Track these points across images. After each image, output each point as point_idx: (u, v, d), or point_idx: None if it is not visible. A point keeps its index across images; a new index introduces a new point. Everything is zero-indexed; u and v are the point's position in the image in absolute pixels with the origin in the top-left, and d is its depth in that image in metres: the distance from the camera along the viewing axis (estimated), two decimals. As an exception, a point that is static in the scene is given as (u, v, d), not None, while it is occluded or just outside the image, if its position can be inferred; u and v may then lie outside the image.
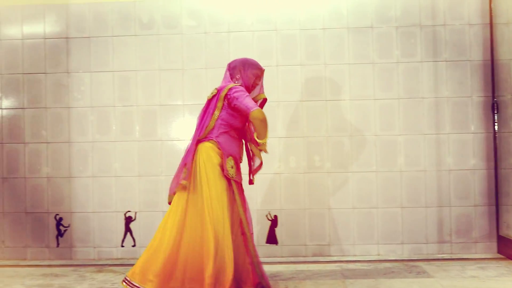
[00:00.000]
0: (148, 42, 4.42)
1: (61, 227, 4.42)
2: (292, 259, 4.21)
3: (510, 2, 3.86)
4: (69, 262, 4.32)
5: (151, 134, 4.40)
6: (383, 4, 4.32)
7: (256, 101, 3.27)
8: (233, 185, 3.10)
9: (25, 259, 4.42)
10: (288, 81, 4.32)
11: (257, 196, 4.31)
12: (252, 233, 3.16)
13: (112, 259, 4.35)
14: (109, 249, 4.38)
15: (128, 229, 4.38)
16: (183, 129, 4.39)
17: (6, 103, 4.50)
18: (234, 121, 3.12)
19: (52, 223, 4.42)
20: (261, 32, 4.35)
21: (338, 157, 4.30)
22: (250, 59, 3.30)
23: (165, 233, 2.99)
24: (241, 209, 3.11)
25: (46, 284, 3.57)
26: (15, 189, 4.47)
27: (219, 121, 3.10)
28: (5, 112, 4.50)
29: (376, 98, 4.29)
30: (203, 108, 3.16)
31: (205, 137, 3.09)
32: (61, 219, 4.42)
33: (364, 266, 3.88)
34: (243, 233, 3.13)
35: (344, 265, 3.94)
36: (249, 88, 3.24)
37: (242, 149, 3.26)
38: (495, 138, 4.22)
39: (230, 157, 3.09)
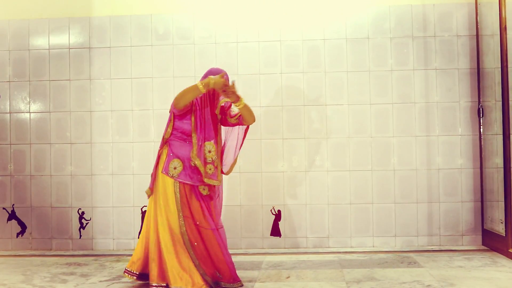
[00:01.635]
0: (163, 51, 4.42)
1: (83, 221, 4.44)
2: (294, 250, 4.22)
3: (495, 16, 3.86)
4: (90, 252, 4.34)
5: (166, 136, 4.48)
6: (378, 17, 4.32)
7: (221, 106, 3.24)
8: (176, 185, 3.09)
9: (50, 250, 4.44)
10: (291, 88, 4.32)
11: (263, 193, 4.31)
12: (213, 229, 3.10)
13: (129, 249, 4.34)
14: (127, 241, 4.41)
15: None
16: (195, 131, 4.50)
17: (34, 107, 4.51)
18: (183, 126, 3.15)
19: (75, 216, 4.44)
20: (267, 42, 4.35)
21: (337, 157, 4.30)
22: (214, 69, 3.27)
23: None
24: (179, 207, 3.06)
25: (69, 272, 3.61)
26: (42, 185, 4.48)
27: (173, 128, 3.18)
28: (33, 115, 4.51)
29: (372, 103, 4.29)
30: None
31: (165, 143, 3.21)
32: (83, 213, 4.44)
33: (360, 257, 3.90)
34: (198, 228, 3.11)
35: (342, 256, 3.95)
36: (210, 96, 3.21)
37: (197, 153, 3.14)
38: (480, 140, 4.23)
39: (177, 159, 3.11)
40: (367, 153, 4.31)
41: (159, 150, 3.21)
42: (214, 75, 3.12)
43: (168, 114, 3.25)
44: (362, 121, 4.31)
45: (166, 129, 3.20)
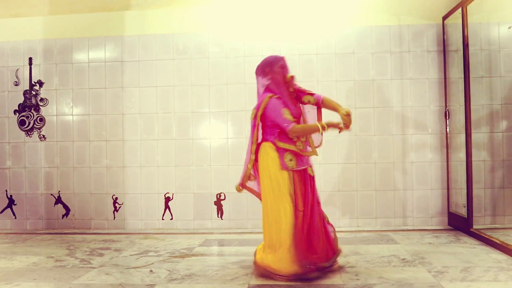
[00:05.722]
0: (183, 64, 4.46)
1: (116, 205, 4.52)
2: (291, 229, 4.30)
3: (459, 34, 3.91)
4: (122, 231, 4.40)
5: (185, 135, 4.45)
6: (362, 36, 4.34)
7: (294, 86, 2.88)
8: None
9: (89, 229, 4.52)
10: (289, 94, 4.44)
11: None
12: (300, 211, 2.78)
13: (154, 229, 4.43)
14: (152, 221, 4.47)
15: (167, 206, 4.46)
16: (209, 130, 4.42)
17: (76, 111, 4.58)
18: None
19: (110, 201, 4.52)
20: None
21: (328, 152, 4.30)
22: (270, 57, 2.89)
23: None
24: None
25: (105, 247, 3.69)
26: (83, 175, 4.55)
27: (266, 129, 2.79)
28: (75, 117, 4.57)
29: (356, 107, 4.31)
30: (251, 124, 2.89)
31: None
32: (116, 198, 4.52)
33: (347, 235, 3.92)
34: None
35: (331, 234, 4.05)
36: (279, 83, 2.83)
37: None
38: (447, 138, 4.25)
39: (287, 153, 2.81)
40: (352, 149, 4.34)
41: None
42: (270, 63, 2.82)
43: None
44: (348, 122, 4.35)
45: (257, 132, 2.81)
